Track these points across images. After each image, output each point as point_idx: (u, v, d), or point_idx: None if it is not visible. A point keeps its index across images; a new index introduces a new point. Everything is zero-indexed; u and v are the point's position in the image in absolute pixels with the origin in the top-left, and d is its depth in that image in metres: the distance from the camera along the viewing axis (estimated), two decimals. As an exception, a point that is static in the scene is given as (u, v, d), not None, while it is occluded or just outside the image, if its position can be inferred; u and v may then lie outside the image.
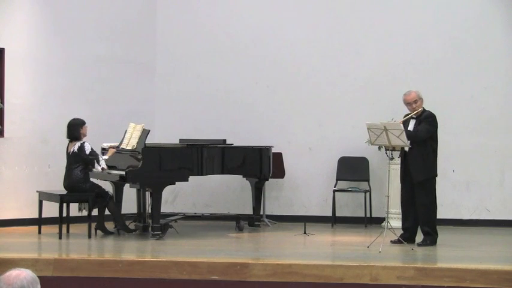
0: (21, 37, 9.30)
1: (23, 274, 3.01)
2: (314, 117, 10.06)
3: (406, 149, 7.71)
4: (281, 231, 9.08)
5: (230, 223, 9.28)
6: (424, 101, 7.88)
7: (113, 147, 8.59)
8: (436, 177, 7.89)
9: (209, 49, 10.23)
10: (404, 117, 7.87)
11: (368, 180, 9.78)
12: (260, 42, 10.17)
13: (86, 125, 8.34)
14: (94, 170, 8.25)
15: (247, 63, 10.18)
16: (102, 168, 8.17)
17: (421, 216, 7.80)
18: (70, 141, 8.31)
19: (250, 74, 10.18)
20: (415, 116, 7.84)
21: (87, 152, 8.15)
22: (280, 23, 10.14)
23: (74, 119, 8.37)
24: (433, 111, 7.88)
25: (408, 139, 7.46)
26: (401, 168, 7.95)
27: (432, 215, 7.82)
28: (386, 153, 7.89)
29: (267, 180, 9.35)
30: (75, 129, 8.28)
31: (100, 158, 8.20)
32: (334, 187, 9.74)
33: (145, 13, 10.25)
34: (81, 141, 8.22)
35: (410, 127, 7.80)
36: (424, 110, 7.83)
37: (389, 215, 8.20)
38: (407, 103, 7.84)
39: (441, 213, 8.80)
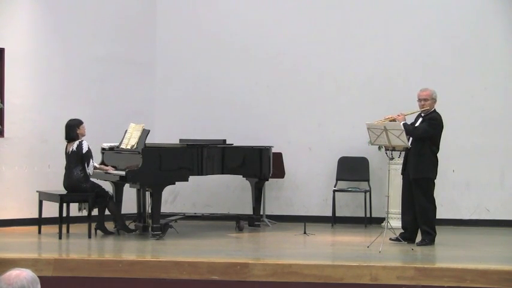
0: (21, 37, 9.30)
1: (23, 274, 3.01)
2: (314, 117, 10.06)
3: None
4: (281, 231, 9.08)
5: (230, 223, 9.28)
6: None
7: (111, 166, 8.56)
8: (434, 180, 7.88)
9: (209, 49, 10.23)
10: (412, 113, 7.94)
11: (368, 180, 9.78)
12: (260, 42, 10.17)
13: (83, 124, 8.32)
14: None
15: (247, 63, 10.18)
16: (89, 174, 8.18)
17: (418, 215, 7.82)
18: (68, 142, 8.31)
19: (250, 74, 10.18)
20: (423, 114, 7.87)
21: (84, 150, 8.15)
22: (280, 23, 10.14)
23: (70, 120, 8.35)
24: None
25: (407, 134, 7.48)
26: (403, 161, 8.01)
27: (430, 214, 7.82)
28: (386, 153, 7.91)
29: (267, 180, 9.35)
30: (72, 130, 8.27)
31: (91, 163, 8.19)
32: (334, 187, 9.75)
33: (145, 13, 10.25)
34: (80, 140, 8.22)
35: (417, 124, 7.85)
36: (432, 112, 7.85)
37: (389, 215, 8.21)
38: (418, 99, 7.89)
39: (441, 213, 8.82)
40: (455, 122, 9.34)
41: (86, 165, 8.15)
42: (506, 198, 9.75)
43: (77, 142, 8.20)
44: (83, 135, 8.30)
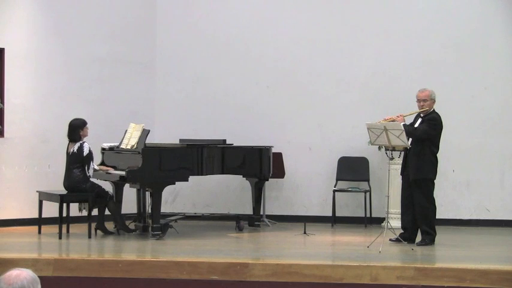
0: (21, 37, 9.30)
1: (24, 274, 3.01)
2: (314, 117, 10.06)
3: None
4: (281, 231, 9.08)
5: (230, 223, 9.28)
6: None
7: (109, 166, 8.57)
8: (434, 181, 7.88)
9: (209, 49, 10.23)
10: (411, 113, 7.95)
11: (368, 180, 9.78)
12: (260, 42, 10.17)
13: (87, 125, 8.32)
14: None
15: (247, 64, 10.18)
16: (89, 176, 8.18)
17: (418, 215, 7.82)
18: (70, 142, 8.31)
19: (250, 74, 10.18)
20: (422, 115, 7.87)
21: (85, 153, 8.15)
22: (280, 23, 10.14)
23: (75, 120, 8.33)
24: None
25: (406, 135, 7.48)
26: (402, 162, 8.03)
27: (430, 214, 7.82)
28: (386, 153, 7.91)
29: (267, 180, 9.34)
30: (75, 130, 8.25)
31: (91, 165, 8.19)
32: (334, 187, 9.74)
33: (145, 13, 10.25)
34: (81, 141, 8.22)
35: (417, 125, 7.85)
36: (432, 112, 7.85)
37: (389, 215, 8.21)
38: (417, 99, 7.89)
39: (441, 213, 8.83)
40: (455, 122, 9.35)
41: (86, 167, 8.15)
42: (506, 198, 9.75)
43: (78, 144, 8.20)
44: (86, 136, 8.30)
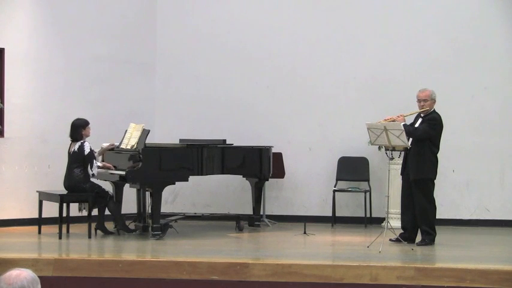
0: (21, 37, 9.30)
1: (24, 274, 3.01)
2: (314, 117, 10.06)
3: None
4: (281, 231, 9.08)
5: (230, 223, 9.28)
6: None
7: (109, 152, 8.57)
8: (434, 181, 7.88)
9: (209, 49, 10.23)
10: (412, 113, 7.95)
11: (368, 180, 9.78)
12: (260, 42, 10.17)
13: (89, 125, 8.32)
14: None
15: (247, 63, 10.18)
16: (93, 175, 8.18)
17: (418, 215, 7.82)
18: (72, 141, 8.31)
19: (250, 74, 10.18)
20: (422, 115, 7.87)
21: (86, 152, 8.15)
22: (280, 23, 10.14)
23: (77, 119, 8.33)
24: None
25: (407, 135, 7.48)
26: (402, 162, 8.02)
27: (430, 215, 7.82)
28: (386, 153, 7.91)
29: (267, 180, 9.35)
30: (77, 130, 8.26)
31: (94, 164, 8.19)
32: (334, 187, 9.74)
33: (145, 13, 10.25)
34: (82, 141, 8.22)
35: (417, 125, 7.85)
36: (432, 112, 7.85)
37: (389, 215, 8.21)
38: (418, 99, 7.89)
39: (441, 213, 8.83)
40: (455, 122, 9.35)
41: (89, 166, 8.15)
42: (506, 198, 9.75)
43: (79, 143, 8.20)
44: (87, 136, 8.30)
